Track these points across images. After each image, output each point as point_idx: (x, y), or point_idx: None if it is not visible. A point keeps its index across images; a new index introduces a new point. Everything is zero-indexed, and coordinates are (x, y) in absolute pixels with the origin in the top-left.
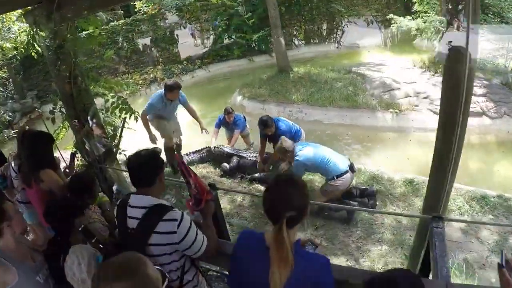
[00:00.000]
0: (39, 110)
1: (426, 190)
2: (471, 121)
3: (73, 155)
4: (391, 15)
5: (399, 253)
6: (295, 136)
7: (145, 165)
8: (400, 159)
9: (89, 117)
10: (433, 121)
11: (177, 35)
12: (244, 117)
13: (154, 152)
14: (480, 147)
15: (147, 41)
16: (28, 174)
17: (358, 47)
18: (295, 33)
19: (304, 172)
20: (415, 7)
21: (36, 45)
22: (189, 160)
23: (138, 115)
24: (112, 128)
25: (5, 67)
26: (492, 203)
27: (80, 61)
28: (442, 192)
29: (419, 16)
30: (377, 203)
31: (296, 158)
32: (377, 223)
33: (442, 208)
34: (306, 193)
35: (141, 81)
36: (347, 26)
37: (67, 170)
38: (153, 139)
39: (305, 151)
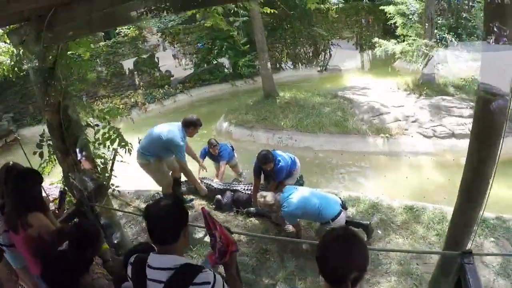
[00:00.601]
0: (16, 134)
1: (450, 224)
2: (460, 143)
3: (62, 194)
4: (376, 39)
5: (409, 284)
6: (290, 168)
7: (168, 219)
8: (394, 184)
9: (77, 150)
10: (423, 145)
11: (157, 58)
12: (232, 146)
13: (178, 202)
14: None
15: (130, 63)
16: (14, 218)
17: (340, 71)
18: (278, 56)
19: (297, 220)
20: (398, 31)
21: (15, 68)
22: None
23: (132, 147)
24: (102, 161)
25: None
26: (491, 225)
27: (72, 87)
28: (471, 226)
29: (403, 40)
30: (379, 232)
31: (284, 209)
32: (383, 253)
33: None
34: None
35: (121, 106)
36: (334, 50)
37: (57, 211)
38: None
39: (294, 198)
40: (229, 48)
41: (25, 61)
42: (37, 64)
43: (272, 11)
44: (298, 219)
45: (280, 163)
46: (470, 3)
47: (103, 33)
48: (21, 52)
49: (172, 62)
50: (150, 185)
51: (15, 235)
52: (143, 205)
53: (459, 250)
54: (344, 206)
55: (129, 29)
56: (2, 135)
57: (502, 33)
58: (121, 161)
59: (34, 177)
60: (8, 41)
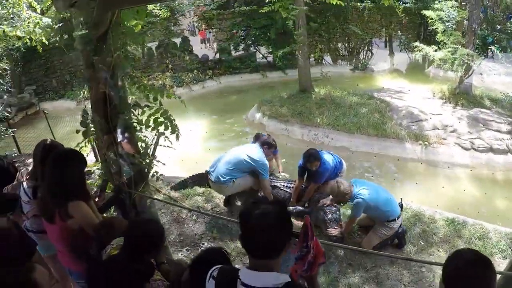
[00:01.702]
0: (37, 107)
1: None
2: (497, 158)
3: (104, 182)
4: (416, 43)
5: None
6: (336, 170)
7: (275, 230)
8: (430, 193)
9: (119, 130)
10: (460, 156)
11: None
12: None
13: (284, 209)
14: (505, 185)
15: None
16: (52, 206)
17: (373, 71)
18: (311, 51)
19: (361, 212)
20: (438, 37)
21: (43, 38)
22: None
23: (179, 132)
24: (144, 145)
25: (5, 58)
26: None
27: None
28: None
29: (443, 47)
30: (421, 243)
31: (360, 197)
32: (426, 266)
33: None
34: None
35: (141, 85)
36: (376, 49)
37: (96, 200)
38: None
39: (366, 191)
40: (263, 38)
41: (74, 26)
42: (87, 31)
43: (336, 2)
44: (362, 213)
45: (324, 165)
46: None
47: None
48: (69, 16)
49: (199, 47)
50: (180, 172)
51: (50, 224)
52: (173, 193)
53: None
54: (401, 206)
55: (160, 9)
56: (24, 107)
57: None
58: (168, 146)
59: (78, 160)
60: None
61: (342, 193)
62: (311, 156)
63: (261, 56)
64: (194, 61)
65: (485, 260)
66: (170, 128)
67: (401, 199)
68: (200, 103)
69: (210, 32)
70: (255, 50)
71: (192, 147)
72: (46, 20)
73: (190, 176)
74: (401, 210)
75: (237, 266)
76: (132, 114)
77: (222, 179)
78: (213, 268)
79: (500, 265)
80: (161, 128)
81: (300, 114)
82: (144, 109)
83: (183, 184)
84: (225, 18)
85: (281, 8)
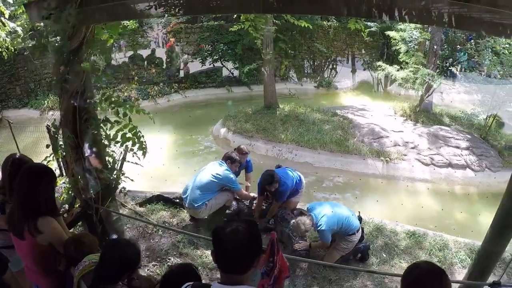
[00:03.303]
0: (0, 114)
1: (477, 254)
2: (456, 173)
3: (73, 198)
4: (379, 62)
5: None
6: (297, 186)
7: (245, 248)
8: (391, 207)
9: (87, 145)
10: (421, 172)
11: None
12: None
13: (255, 228)
14: (463, 198)
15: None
16: (20, 221)
17: (336, 89)
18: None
19: (330, 236)
20: (401, 57)
21: (9, 44)
22: None
23: (146, 149)
24: (111, 160)
25: None
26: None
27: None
28: (498, 258)
29: (405, 67)
30: (384, 255)
31: (322, 228)
32: (388, 277)
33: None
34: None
35: (113, 99)
36: (340, 67)
37: (65, 216)
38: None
39: (326, 217)
40: (230, 53)
41: (48, 37)
42: (60, 43)
43: (304, 24)
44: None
45: (284, 186)
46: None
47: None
48: (43, 27)
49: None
50: (144, 187)
51: (19, 240)
52: (138, 208)
53: (483, 281)
54: (360, 219)
55: (129, 21)
56: None
57: None
58: (136, 163)
59: (50, 176)
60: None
61: (305, 232)
62: (269, 179)
63: (227, 71)
64: (160, 74)
65: (440, 271)
66: (137, 144)
67: (359, 212)
68: (165, 117)
69: (177, 45)
70: (224, 65)
71: (156, 161)
72: (13, 26)
73: (156, 195)
74: (360, 223)
75: (209, 282)
76: (101, 129)
77: (195, 204)
78: (185, 285)
79: (460, 274)
80: (129, 144)
81: (265, 130)
82: (114, 124)
83: (149, 200)
84: (193, 32)
85: (250, 28)
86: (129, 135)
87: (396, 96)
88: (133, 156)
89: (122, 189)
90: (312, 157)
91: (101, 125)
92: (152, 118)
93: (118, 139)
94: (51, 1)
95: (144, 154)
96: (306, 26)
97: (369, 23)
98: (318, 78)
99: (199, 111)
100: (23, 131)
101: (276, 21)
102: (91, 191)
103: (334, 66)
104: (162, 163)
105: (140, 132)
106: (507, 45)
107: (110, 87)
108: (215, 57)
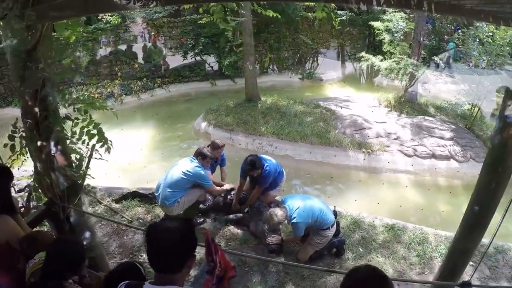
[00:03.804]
0: None
1: (449, 253)
2: (439, 164)
3: (30, 193)
4: (363, 53)
5: None
6: (277, 178)
7: (177, 247)
8: (372, 200)
9: (52, 143)
10: (404, 163)
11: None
12: None
13: (190, 227)
14: (447, 190)
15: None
16: None
17: (321, 80)
18: (261, 60)
19: (304, 230)
20: (385, 47)
21: None
22: None
23: (111, 145)
24: (78, 157)
25: None
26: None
27: (56, 73)
28: (469, 257)
29: (390, 57)
30: (361, 249)
31: (295, 220)
32: None
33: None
34: None
35: (96, 95)
36: (321, 59)
37: (21, 211)
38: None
39: (301, 209)
40: (212, 47)
41: (3, 39)
42: (16, 44)
43: (275, 15)
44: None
45: (267, 169)
46: (452, 27)
47: (84, 18)
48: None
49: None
50: (122, 183)
51: None
52: (114, 204)
53: (455, 280)
54: (335, 214)
55: (112, 16)
56: None
57: None
58: (100, 158)
59: (5, 174)
60: None
61: (277, 224)
62: (252, 164)
63: (210, 64)
64: (144, 68)
65: (381, 276)
66: (103, 140)
67: (335, 206)
68: (148, 112)
69: (159, 40)
70: (204, 59)
71: (137, 157)
72: None
73: (131, 192)
74: (335, 217)
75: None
76: (63, 127)
77: (167, 202)
78: (120, 284)
79: None
80: (94, 140)
81: (245, 123)
82: (76, 121)
83: (124, 197)
84: (175, 26)
85: (219, 20)
86: (94, 131)
87: (382, 87)
88: (95, 153)
89: (86, 186)
90: (292, 149)
91: (65, 121)
92: (115, 114)
93: (83, 136)
94: (9, 1)
95: (108, 150)
96: (275, 16)
97: (339, 12)
98: (300, 70)
99: (182, 105)
100: (7, 130)
101: (260, 10)
102: (56, 189)
103: (316, 58)
104: (141, 159)
105: (101, 129)
106: (491, 34)
107: (93, 83)
108: (196, 51)
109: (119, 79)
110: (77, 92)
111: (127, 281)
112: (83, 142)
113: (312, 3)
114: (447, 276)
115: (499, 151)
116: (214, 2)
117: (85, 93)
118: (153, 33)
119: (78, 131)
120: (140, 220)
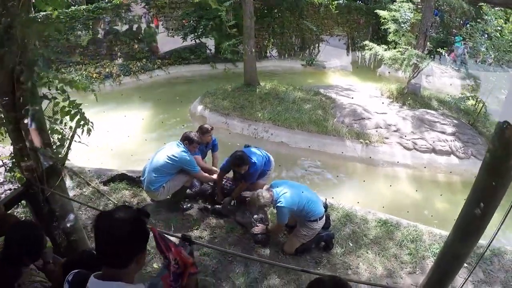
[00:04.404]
0: None
1: (438, 260)
2: (439, 159)
3: None
4: (366, 41)
5: None
6: (265, 168)
7: (124, 240)
8: (367, 193)
9: (28, 120)
10: (402, 156)
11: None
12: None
13: (140, 219)
14: (446, 187)
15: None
16: None
17: (325, 68)
18: (263, 44)
19: (287, 217)
20: (390, 37)
21: None
22: None
23: (92, 126)
24: (60, 137)
25: None
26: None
27: (32, 49)
28: (461, 265)
29: (394, 47)
30: (350, 244)
31: (280, 204)
32: (352, 268)
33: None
34: None
35: (95, 75)
36: (323, 46)
37: None
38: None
39: (287, 194)
40: (214, 29)
41: None
42: None
43: None
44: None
45: (254, 166)
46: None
47: None
48: None
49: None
50: (113, 165)
51: None
52: (102, 186)
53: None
54: (326, 207)
55: None
56: None
57: None
58: (79, 141)
59: None
60: None
61: (263, 206)
62: (239, 161)
63: (210, 46)
64: (143, 50)
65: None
66: (82, 122)
67: (326, 199)
68: (148, 93)
69: (160, 21)
70: (204, 42)
71: (130, 138)
72: None
73: (119, 174)
74: (325, 211)
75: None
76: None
77: (152, 187)
78: (71, 272)
79: None
80: (72, 122)
81: (242, 108)
82: (56, 101)
83: (112, 179)
84: (177, 7)
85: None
86: (74, 112)
87: (385, 77)
88: (82, 132)
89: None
90: (288, 137)
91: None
92: (96, 95)
93: (63, 116)
94: None
95: (88, 132)
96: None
97: None
98: (301, 56)
99: (181, 87)
100: None
101: None
102: (36, 170)
103: (319, 44)
104: (134, 142)
105: (81, 109)
106: (499, 28)
107: (92, 63)
108: (197, 33)
109: (118, 59)
110: (76, 71)
111: (77, 270)
112: (61, 122)
113: None
114: (435, 282)
115: (501, 151)
116: None
117: (84, 72)
118: (152, 14)
119: (59, 112)
120: (126, 203)
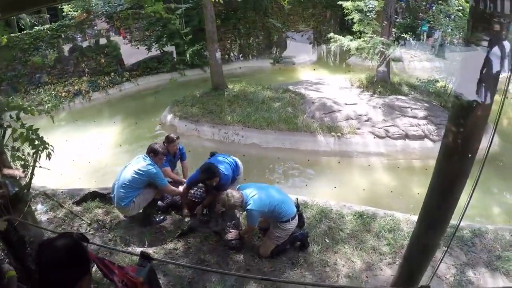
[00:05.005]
0: None
1: (406, 254)
2: (413, 144)
3: None
4: (331, 34)
5: None
6: (234, 174)
7: (65, 264)
8: (343, 186)
9: None
10: (375, 145)
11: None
12: None
13: (78, 243)
14: (421, 171)
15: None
16: None
17: (294, 64)
18: (229, 47)
19: (258, 220)
20: (355, 27)
21: None
22: None
23: (53, 150)
24: (23, 163)
25: None
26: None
27: None
28: (430, 257)
29: (359, 37)
30: (327, 240)
31: (250, 207)
32: (330, 264)
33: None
34: None
35: (64, 94)
36: (289, 42)
37: None
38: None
39: (256, 197)
40: (175, 37)
41: None
42: None
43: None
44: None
45: (225, 176)
46: (427, 5)
47: (48, 15)
48: None
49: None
50: (84, 184)
51: None
52: (75, 207)
53: (413, 284)
54: (298, 206)
55: (76, 11)
56: None
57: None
58: (40, 166)
59: None
60: None
61: (233, 206)
62: (210, 174)
63: (177, 54)
64: (110, 63)
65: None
66: (41, 146)
67: (297, 198)
68: (116, 108)
69: (126, 33)
70: (170, 51)
71: (102, 156)
72: None
73: (91, 192)
74: (298, 210)
75: None
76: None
77: (122, 203)
78: None
79: None
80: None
81: (211, 113)
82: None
83: (84, 198)
84: (140, 17)
85: (161, 9)
86: (33, 137)
87: (355, 68)
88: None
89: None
90: (259, 137)
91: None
92: (52, 118)
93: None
94: None
95: (48, 156)
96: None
97: None
98: (269, 54)
99: (151, 98)
100: None
101: None
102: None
103: (285, 41)
104: (104, 158)
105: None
106: (461, 8)
107: (61, 82)
108: (161, 42)
109: (86, 75)
110: (45, 91)
111: None
112: (18, 149)
113: None
114: (405, 280)
115: (459, 132)
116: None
117: (52, 92)
118: (117, 27)
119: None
120: (100, 222)
